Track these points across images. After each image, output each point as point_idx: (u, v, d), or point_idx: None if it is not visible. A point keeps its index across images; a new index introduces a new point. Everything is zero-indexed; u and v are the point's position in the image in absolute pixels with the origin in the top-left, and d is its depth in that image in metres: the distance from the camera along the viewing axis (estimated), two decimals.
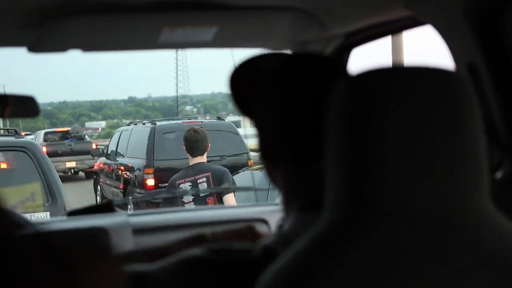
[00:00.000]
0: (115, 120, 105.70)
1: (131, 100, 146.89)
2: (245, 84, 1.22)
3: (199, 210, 3.30)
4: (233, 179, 5.37)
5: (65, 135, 21.94)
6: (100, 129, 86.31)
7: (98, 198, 14.68)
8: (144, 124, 12.84)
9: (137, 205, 9.64)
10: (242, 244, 1.08)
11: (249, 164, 11.65)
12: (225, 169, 5.35)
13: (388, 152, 0.80)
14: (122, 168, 12.53)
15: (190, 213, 2.58)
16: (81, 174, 21.98)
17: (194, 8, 1.55)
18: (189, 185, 5.22)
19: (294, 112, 1.06)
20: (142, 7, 1.52)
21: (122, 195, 12.42)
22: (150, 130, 11.39)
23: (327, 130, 0.87)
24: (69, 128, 23.03)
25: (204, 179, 5.27)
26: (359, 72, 0.86)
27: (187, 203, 5.18)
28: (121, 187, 12.55)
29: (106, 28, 1.64)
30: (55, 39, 1.65)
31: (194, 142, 5.17)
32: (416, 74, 0.85)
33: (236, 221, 2.33)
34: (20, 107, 1.88)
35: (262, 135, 1.13)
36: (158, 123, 11.81)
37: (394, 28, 1.83)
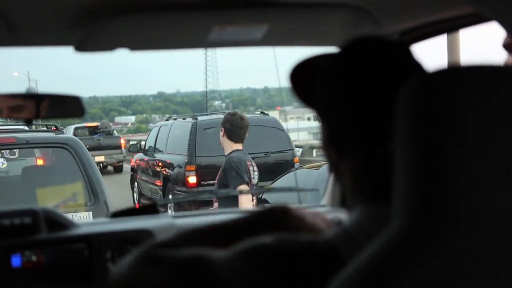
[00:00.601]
0: (145, 115, 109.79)
1: (160, 95, 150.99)
2: (307, 75, 1.26)
3: (244, 211, 3.32)
4: None
5: (94, 130, 23.10)
6: (129, 123, 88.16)
7: (136, 195, 14.86)
8: (184, 119, 12.89)
9: (178, 205, 9.73)
10: (308, 235, 1.10)
11: (295, 161, 11.62)
12: None
13: (464, 156, 0.79)
14: (161, 164, 12.62)
15: (233, 215, 2.61)
16: (110, 168, 23.17)
17: (245, 5, 1.57)
18: (254, 170, 5.32)
19: (364, 91, 1.08)
20: (192, 5, 1.55)
21: (161, 192, 12.52)
22: (192, 126, 11.41)
23: (395, 131, 0.87)
24: (98, 123, 24.05)
25: (255, 166, 5.38)
26: (433, 71, 0.85)
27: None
28: (160, 184, 12.65)
29: (155, 27, 1.67)
30: (103, 38, 1.69)
31: (240, 128, 5.19)
32: (492, 73, 0.84)
33: None
34: (65, 107, 1.94)
35: (329, 122, 1.16)
36: (199, 118, 11.85)
37: (452, 25, 1.83)
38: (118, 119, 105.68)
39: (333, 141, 1.14)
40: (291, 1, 1.60)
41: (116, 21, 1.57)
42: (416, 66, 1.12)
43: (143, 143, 15.52)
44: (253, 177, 5.27)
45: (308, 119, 54.63)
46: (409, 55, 1.14)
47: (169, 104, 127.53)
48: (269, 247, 1.06)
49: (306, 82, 1.25)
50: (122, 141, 23.13)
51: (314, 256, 1.02)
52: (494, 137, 0.80)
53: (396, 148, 0.87)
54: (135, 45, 1.79)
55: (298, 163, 11.62)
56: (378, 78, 1.08)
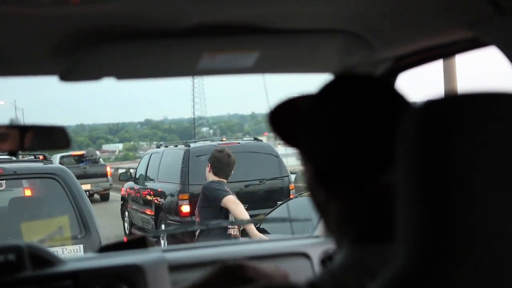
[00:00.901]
0: (132, 143, 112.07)
1: (147, 122, 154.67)
2: (288, 116, 1.26)
3: (237, 244, 3.30)
4: None
5: (80, 159, 23.50)
6: (117, 151, 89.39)
7: (126, 224, 14.77)
8: (176, 146, 12.87)
9: (172, 235, 9.64)
10: (286, 281, 1.09)
11: (290, 188, 11.59)
12: None
13: (474, 187, 0.78)
14: (153, 193, 12.57)
15: (228, 247, 2.59)
16: (96, 196, 23.47)
17: (236, 32, 1.56)
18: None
19: (350, 129, 1.08)
20: (181, 33, 1.53)
21: (153, 222, 12.45)
22: (184, 153, 11.37)
23: (397, 163, 0.84)
24: (84, 152, 24.56)
25: None
26: (433, 100, 0.83)
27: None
28: (152, 213, 12.58)
29: (143, 55, 1.65)
30: (88, 67, 1.67)
31: (226, 166, 5.37)
32: (497, 100, 0.83)
33: (278, 256, 2.34)
34: (50, 138, 1.92)
35: (315, 161, 1.15)
36: (192, 145, 11.84)
37: (449, 51, 1.82)
38: (105, 147, 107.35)
39: (321, 181, 1.13)
40: (283, 27, 1.58)
41: (101, 50, 1.55)
42: (399, 99, 1.13)
43: (132, 170, 15.45)
44: None
45: None
46: (392, 88, 1.15)
47: (157, 131, 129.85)
48: None
49: (288, 123, 1.26)
50: (108, 169, 23.72)
51: None
52: (500, 166, 0.79)
53: (398, 182, 0.84)
54: (121, 74, 1.77)
55: (294, 190, 11.60)
56: (365, 111, 1.08)
